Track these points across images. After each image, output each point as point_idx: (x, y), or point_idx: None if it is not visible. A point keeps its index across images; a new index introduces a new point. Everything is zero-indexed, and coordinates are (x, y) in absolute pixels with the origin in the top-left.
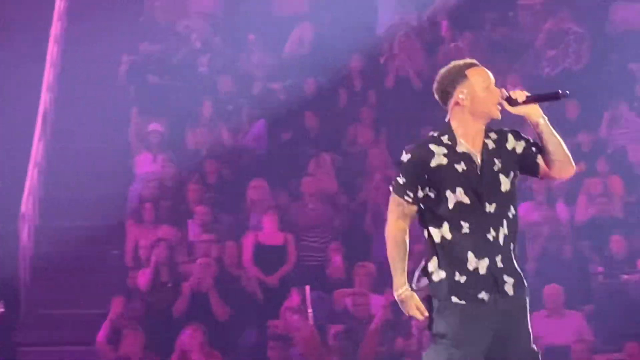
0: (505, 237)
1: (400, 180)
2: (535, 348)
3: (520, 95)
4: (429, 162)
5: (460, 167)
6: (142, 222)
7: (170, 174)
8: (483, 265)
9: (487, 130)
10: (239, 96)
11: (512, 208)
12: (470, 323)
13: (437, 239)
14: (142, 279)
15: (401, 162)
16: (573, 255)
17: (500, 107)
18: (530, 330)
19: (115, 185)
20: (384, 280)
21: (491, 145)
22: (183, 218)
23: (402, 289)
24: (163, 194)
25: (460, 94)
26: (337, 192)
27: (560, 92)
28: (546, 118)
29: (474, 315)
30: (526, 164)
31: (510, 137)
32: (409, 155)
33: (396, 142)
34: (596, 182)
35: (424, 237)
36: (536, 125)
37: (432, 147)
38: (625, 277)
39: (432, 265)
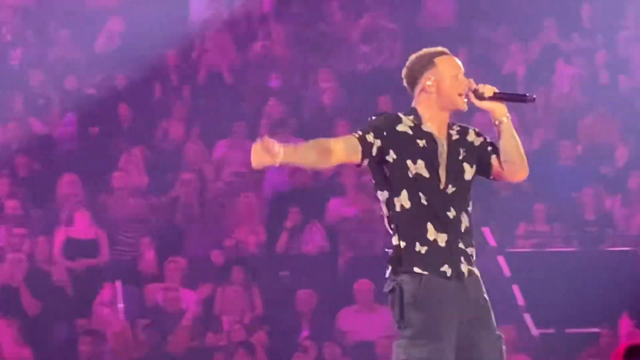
0: (466, 228)
1: (361, 131)
2: (499, 332)
3: (488, 90)
4: (396, 125)
5: (422, 142)
6: None
7: None
8: (442, 239)
9: (451, 123)
10: (50, 90)
11: (470, 203)
12: (439, 295)
13: (397, 208)
14: None
15: (369, 120)
16: (383, 251)
17: (466, 99)
18: (492, 316)
19: None
20: (195, 276)
21: (455, 136)
22: None
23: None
24: None
25: (428, 80)
26: (148, 187)
27: (528, 95)
28: (510, 118)
29: (441, 287)
30: (480, 162)
31: (471, 131)
32: (377, 117)
33: (209, 138)
34: None
35: (383, 210)
36: (499, 124)
37: (401, 116)
38: None
39: (395, 238)
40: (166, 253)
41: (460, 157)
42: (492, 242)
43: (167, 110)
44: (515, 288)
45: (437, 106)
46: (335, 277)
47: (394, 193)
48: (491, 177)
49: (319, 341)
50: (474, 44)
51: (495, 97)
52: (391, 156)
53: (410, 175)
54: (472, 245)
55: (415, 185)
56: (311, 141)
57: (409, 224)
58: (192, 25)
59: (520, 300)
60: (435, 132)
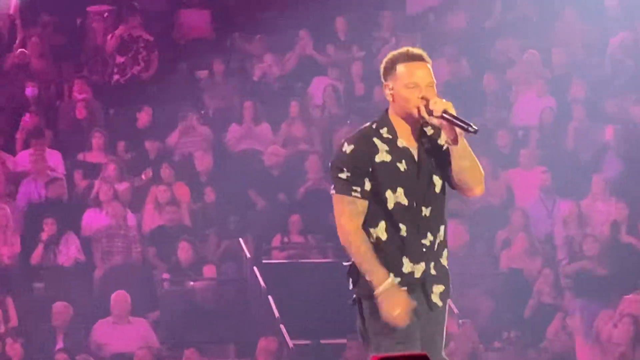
0: (439, 243)
1: (344, 175)
2: (445, 356)
3: (438, 108)
4: (374, 156)
5: (402, 165)
6: None
7: None
8: (419, 270)
9: (422, 127)
10: None
11: (445, 213)
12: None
13: (372, 239)
14: None
15: (343, 154)
16: (140, 262)
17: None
18: (444, 336)
19: None
20: None
21: (426, 142)
22: None
23: (390, 279)
24: None
25: (387, 88)
26: None
27: (471, 125)
28: (462, 136)
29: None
30: (446, 168)
31: (444, 134)
32: (352, 146)
33: None
34: (163, 189)
35: None
36: (450, 142)
37: (376, 141)
38: (192, 283)
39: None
40: None
41: (431, 169)
42: (248, 253)
43: None
44: (271, 299)
45: (399, 115)
46: (91, 289)
47: (370, 223)
48: (453, 187)
49: (73, 353)
50: (230, 55)
51: (442, 117)
52: (368, 186)
53: (390, 207)
54: (446, 248)
55: (395, 216)
56: (362, 245)
57: (383, 257)
58: None
59: (276, 312)
60: (410, 146)
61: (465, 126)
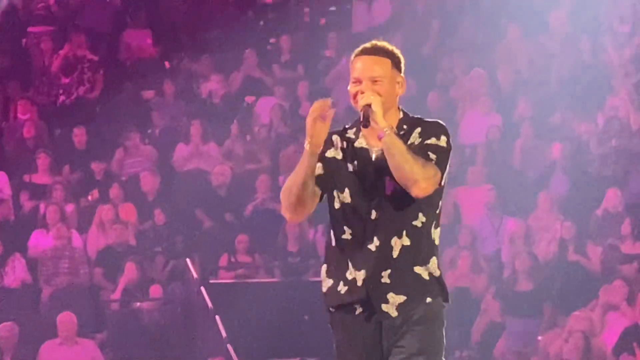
0: (405, 248)
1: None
2: None
3: (360, 103)
4: (326, 150)
5: (353, 166)
6: None
7: None
8: (360, 277)
9: (403, 120)
10: None
11: (417, 215)
12: (352, 337)
13: (332, 242)
14: None
15: None
16: (87, 283)
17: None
18: (426, 348)
19: None
20: None
21: None
22: None
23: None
24: None
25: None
26: None
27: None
28: (390, 132)
29: (355, 329)
30: None
31: (416, 132)
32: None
33: None
34: (108, 209)
35: None
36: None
37: (335, 138)
38: (139, 304)
39: (322, 271)
40: None
41: (385, 171)
42: (194, 273)
43: None
44: (218, 319)
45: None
46: (38, 310)
47: (330, 226)
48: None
49: None
50: (176, 75)
51: (362, 109)
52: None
53: (337, 207)
54: (417, 255)
55: (341, 218)
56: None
57: (334, 261)
58: None
59: (224, 332)
60: (370, 143)
61: (365, 121)
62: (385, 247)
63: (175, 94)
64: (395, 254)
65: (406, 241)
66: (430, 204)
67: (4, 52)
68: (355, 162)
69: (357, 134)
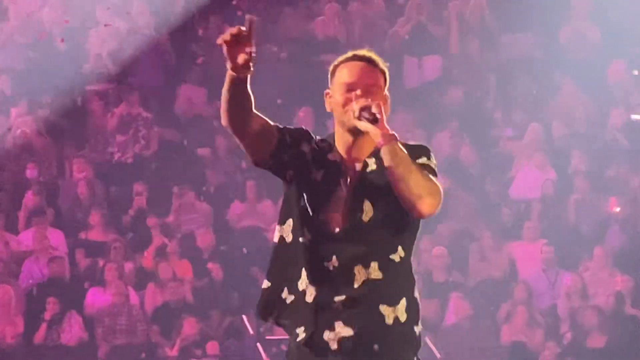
0: (373, 282)
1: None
2: None
3: (355, 107)
4: (301, 142)
5: (319, 174)
6: None
7: None
8: (311, 293)
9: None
10: None
11: (396, 248)
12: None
13: (275, 238)
14: None
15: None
16: (144, 340)
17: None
18: None
19: None
20: None
21: (372, 165)
22: None
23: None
24: None
25: (327, 96)
26: None
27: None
28: (396, 140)
29: (300, 354)
30: None
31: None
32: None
33: None
34: (165, 266)
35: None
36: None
37: (304, 145)
38: None
39: (267, 272)
40: None
41: (364, 193)
42: (251, 329)
43: None
44: None
45: (339, 126)
46: None
47: (280, 219)
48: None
49: None
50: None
51: (359, 118)
52: (289, 173)
53: (302, 204)
54: (387, 291)
55: (302, 217)
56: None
57: (282, 262)
58: None
59: None
60: (345, 160)
61: (374, 119)
62: (345, 272)
63: (229, 151)
64: (356, 283)
65: (377, 274)
66: (411, 236)
67: (60, 111)
68: (323, 172)
69: (331, 146)
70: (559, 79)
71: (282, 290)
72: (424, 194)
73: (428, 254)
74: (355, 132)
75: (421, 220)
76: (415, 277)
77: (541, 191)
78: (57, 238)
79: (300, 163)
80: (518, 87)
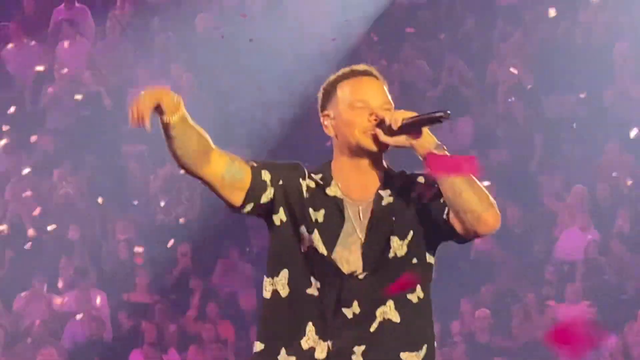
0: (386, 324)
1: (258, 162)
2: None
3: (397, 117)
4: (297, 179)
5: (321, 214)
6: None
7: None
8: (323, 349)
9: (388, 175)
10: None
11: (413, 288)
12: None
13: (266, 293)
14: None
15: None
16: None
17: (373, 136)
18: None
19: None
20: None
21: (387, 199)
22: None
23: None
24: None
25: (326, 119)
26: None
27: (441, 112)
28: (444, 150)
29: None
30: (436, 223)
31: (418, 184)
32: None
33: (8, 290)
34: (208, 327)
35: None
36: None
37: (292, 181)
38: None
39: (257, 333)
40: None
41: (387, 229)
42: None
43: None
44: None
45: (343, 154)
46: None
47: (270, 271)
48: (457, 239)
49: None
50: None
51: (406, 127)
52: (279, 217)
53: (303, 250)
54: (408, 335)
55: (306, 265)
56: (205, 134)
57: (277, 321)
58: None
59: None
60: (345, 196)
61: (436, 118)
62: (368, 317)
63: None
64: (373, 327)
65: (394, 316)
66: (429, 275)
67: (103, 172)
68: (324, 212)
69: (326, 179)
70: (601, 140)
71: (279, 353)
72: (487, 204)
73: (470, 315)
74: (363, 156)
75: (462, 282)
76: (458, 339)
77: (585, 253)
78: (100, 299)
79: (290, 203)
80: (562, 149)
